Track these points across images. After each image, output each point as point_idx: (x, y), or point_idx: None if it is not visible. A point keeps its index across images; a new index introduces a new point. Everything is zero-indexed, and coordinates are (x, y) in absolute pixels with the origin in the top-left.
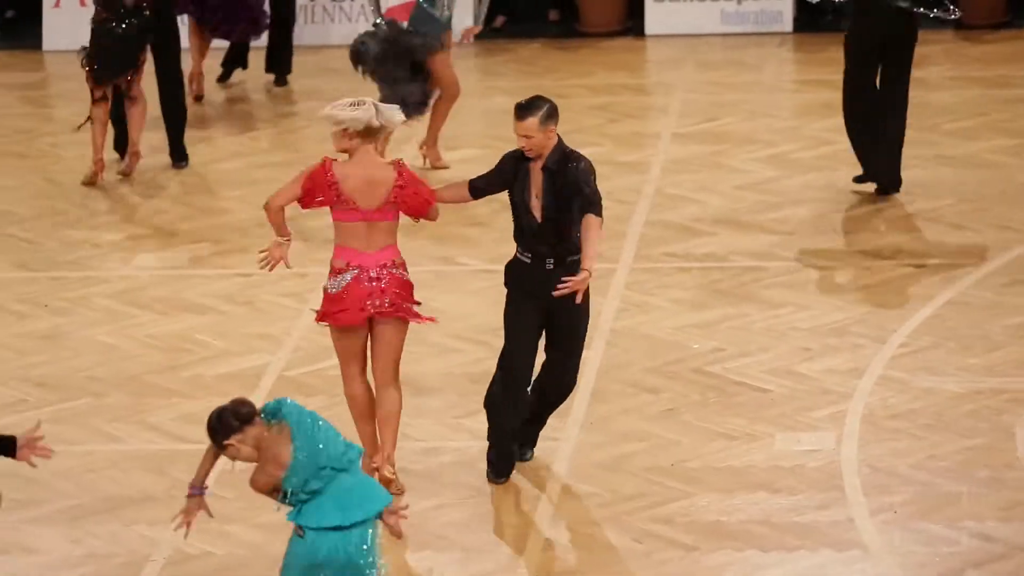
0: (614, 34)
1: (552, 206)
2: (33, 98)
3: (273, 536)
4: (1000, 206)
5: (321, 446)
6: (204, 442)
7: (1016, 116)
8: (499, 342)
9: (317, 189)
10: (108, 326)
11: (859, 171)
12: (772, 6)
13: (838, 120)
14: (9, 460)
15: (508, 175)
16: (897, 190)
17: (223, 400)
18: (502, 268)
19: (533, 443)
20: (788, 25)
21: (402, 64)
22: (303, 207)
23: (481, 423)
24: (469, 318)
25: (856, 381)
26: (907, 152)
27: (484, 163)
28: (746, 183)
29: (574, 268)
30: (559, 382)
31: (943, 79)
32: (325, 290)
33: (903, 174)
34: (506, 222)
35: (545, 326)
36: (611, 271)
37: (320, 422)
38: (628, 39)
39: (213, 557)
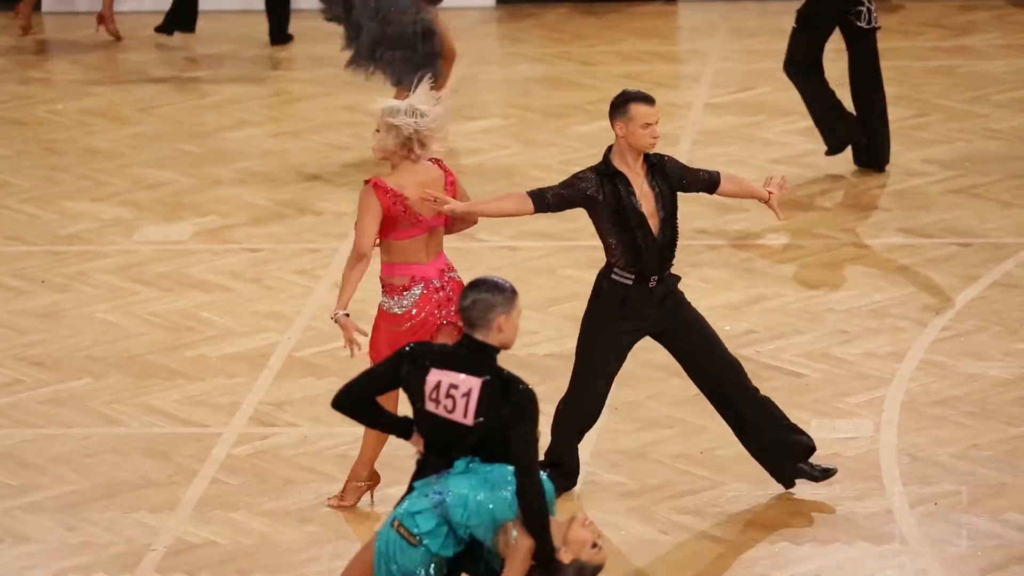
0: None
1: (670, 212)
2: (31, 62)
3: (278, 524)
4: None
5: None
6: (209, 425)
7: None
8: (521, 322)
9: (392, 216)
10: (108, 303)
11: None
12: None
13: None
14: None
15: (588, 193)
16: (882, 168)
17: (228, 381)
18: (523, 246)
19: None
20: None
21: (396, 44)
22: (382, 240)
23: None
24: None
25: (896, 365)
26: (953, 125)
27: (506, 134)
28: (782, 156)
29: (671, 282)
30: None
31: (992, 47)
32: (384, 309)
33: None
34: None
35: (666, 347)
36: None
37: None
38: (659, 4)
39: (217, 547)
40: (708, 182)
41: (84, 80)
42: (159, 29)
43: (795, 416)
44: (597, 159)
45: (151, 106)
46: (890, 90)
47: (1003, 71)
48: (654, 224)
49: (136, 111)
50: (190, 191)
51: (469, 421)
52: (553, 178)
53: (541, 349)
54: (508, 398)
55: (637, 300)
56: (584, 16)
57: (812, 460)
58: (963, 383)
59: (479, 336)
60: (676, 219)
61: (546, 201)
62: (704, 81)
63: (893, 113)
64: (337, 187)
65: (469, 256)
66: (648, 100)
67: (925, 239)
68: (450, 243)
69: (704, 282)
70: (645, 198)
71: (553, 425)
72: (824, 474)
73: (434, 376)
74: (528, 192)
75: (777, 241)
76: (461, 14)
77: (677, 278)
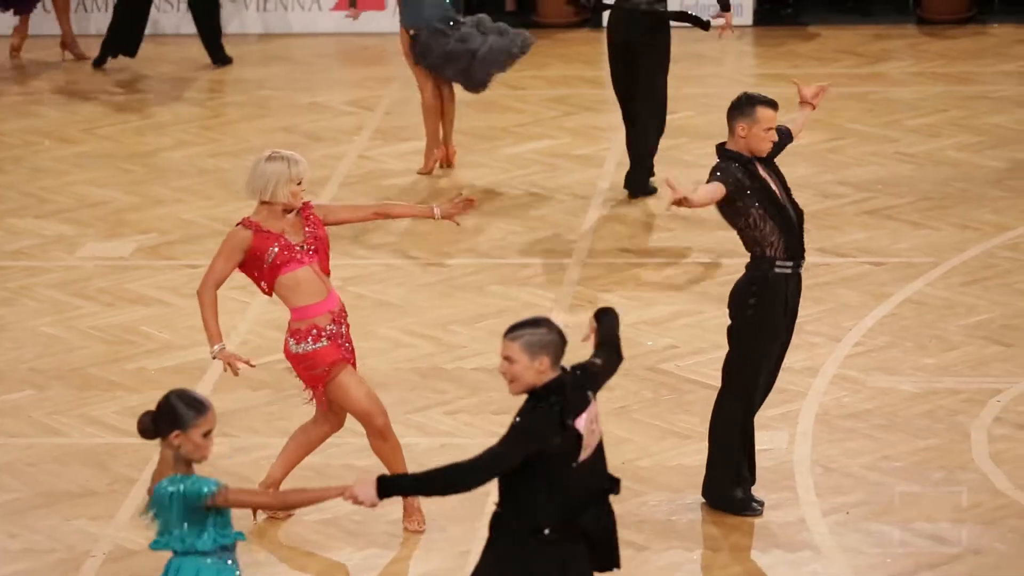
0: (571, 25)
1: (789, 191)
2: None
3: None
4: (960, 205)
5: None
6: None
7: (977, 113)
8: (449, 336)
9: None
10: (51, 317)
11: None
12: None
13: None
14: None
15: (740, 176)
16: (636, 196)
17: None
18: (453, 263)
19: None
20: (748, 18)
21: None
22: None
23: (429, 418)
24: (420, 313)
25: (810, 380)
26: (866, 149)
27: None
28: (703, 178)
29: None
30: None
31: (905, 74)
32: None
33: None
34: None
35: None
36: (564, 266)
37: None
38: (585, 31)
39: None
40: (788, 141)
41: (29, 100)
42: (96, 64)
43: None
44: (526, 179)
45: (94, 126)
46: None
47: (915, 97)
48: (789, 203)
49: (80, 131)
50: (131, 209)
51: None
52: (483, 198)
53: (469, 363)
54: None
55: (793, 290)
56: None
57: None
58: (874, 397)
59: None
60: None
61: (722, 182)
62: None
63: (810, 137)
64: None
65: (399, 272)
66: (774, 105)
67: (839, 258)
68: (381, 260)
69: (627, 299)
70: (775, 182)
71: (723, 436)
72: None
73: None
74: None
75: (698, 259)
76: (395, 39)
77: None
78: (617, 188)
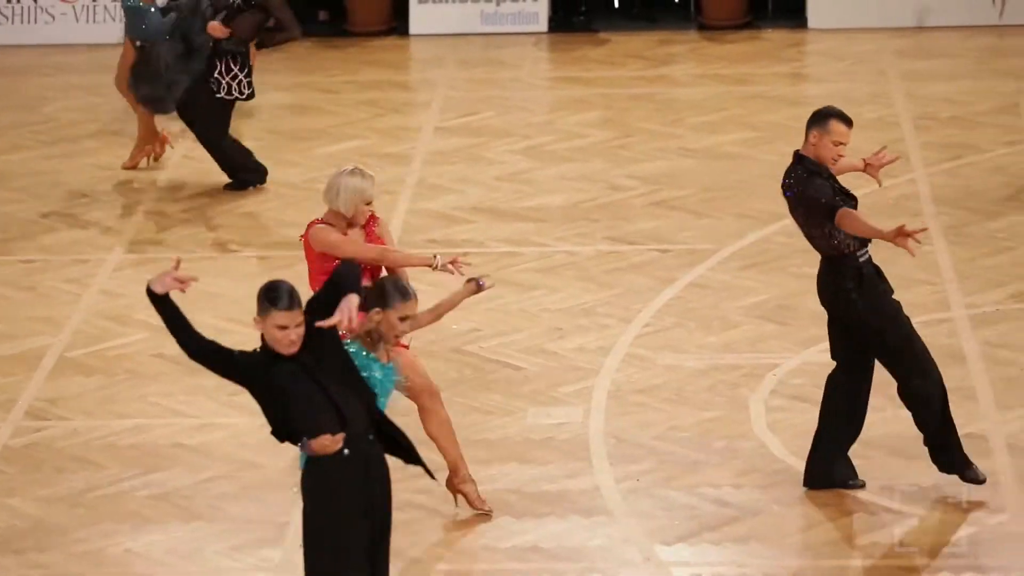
0: (380, 33)
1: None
2: None
3: (51, 508)
4: (738, 195)
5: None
6: None
7: (754, 111)
8: None
9: None
10: None
11: None
12: (528, 8)
13: (589, 115)
14: None
15: (836, 186)
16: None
17: (4, 380)
18: (273, 255)
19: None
20: (543, 25)
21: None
22: None
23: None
24: (242, 302)
25: (603, 359)
26: (653, 145)
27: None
28: (503, 174)
29: None
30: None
31: (688, 76)
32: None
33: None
34: (274, 210)
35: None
36: None
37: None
38: (393, 38)
39: None
40: None
41: None
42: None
43: (514, 405)
44: None
45: None
46: (598, 114)
47: (698, 97)
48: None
49: None
50: None
51: None
52: (299, 195)
53: None
54: None
55: (882, 272)
56: (326, 50)
57: None
58: (662, 373)
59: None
60: None
61: (844, 204)
62: (434, 107)
63: (602, 134)
64: (104, 204)
65: (221, 264)
66: (848, 122)
67: (629, 246)
68: (206, 252)
69: (433, 286)
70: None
71: (926, 414)
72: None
73: None
74: (840, 210)
75: (498, 249)
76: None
77: None
78: (423, 183)
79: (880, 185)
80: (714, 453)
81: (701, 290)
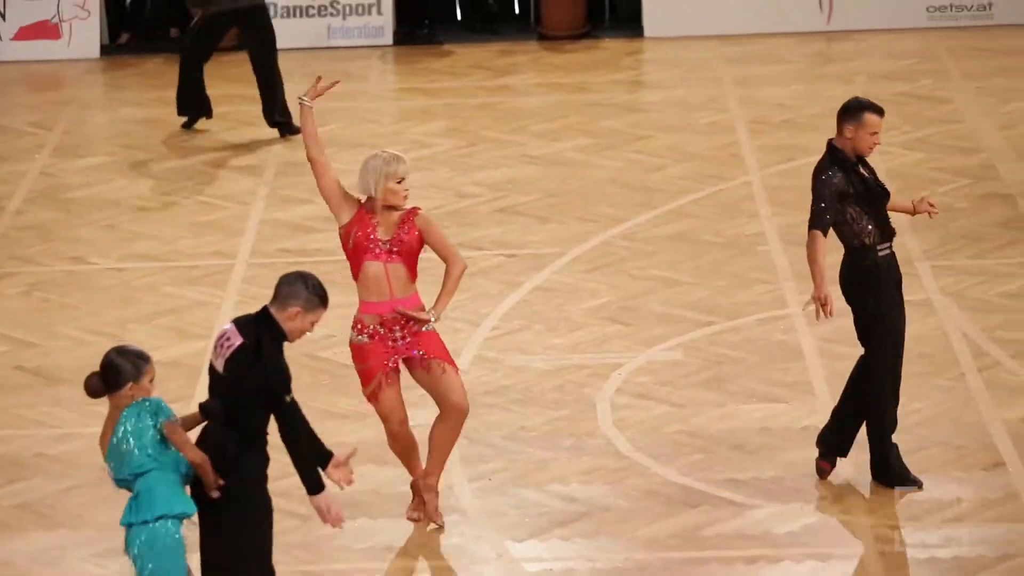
0: (231, 49)
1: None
2: None
3: None
4: (580, 200)
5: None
6: None
7: (593, 118)
8: (126, 335)
9: None
10: None
11: None
12: (374, 22)
13: (434, 125)
14: None
15: (842, 189)
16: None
17: None
18: (129, 267)
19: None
20: (389, 39)
21: None
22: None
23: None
24: (99, 313)
25: None
26: (497, 153)
27: (112, 170)
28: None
29: None
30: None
31: (529, 85)
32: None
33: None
34: (134, 223)
35: None
36: (229, 267)
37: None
38: (244, 53)
39: None
40: (886, 198)
41: None
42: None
43: (368, 409)
44: (190, 190)
45: None
46: (443, 124)
47: (538, 106)
48: (881, 193)
49: None
50: None
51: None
52: (155, 208)
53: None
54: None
55: (895, 265)
56: (177, 65)
57: None
58: (511, 375)
59: (272, 309)
60: None
61: (828, 224)
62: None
63: (447, 143)
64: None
65: (79, 277)
66: (880, 112)
67: (476, 251)
68: (64, 266)
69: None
70: (870, 179)
71: (875, 420)
72: None
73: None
74: (814, 230)
75: None
76: (70, 65)
77: None
78: (276, 196)
79: (913, 215)
80: (563, 451)
81: (547, 293)
